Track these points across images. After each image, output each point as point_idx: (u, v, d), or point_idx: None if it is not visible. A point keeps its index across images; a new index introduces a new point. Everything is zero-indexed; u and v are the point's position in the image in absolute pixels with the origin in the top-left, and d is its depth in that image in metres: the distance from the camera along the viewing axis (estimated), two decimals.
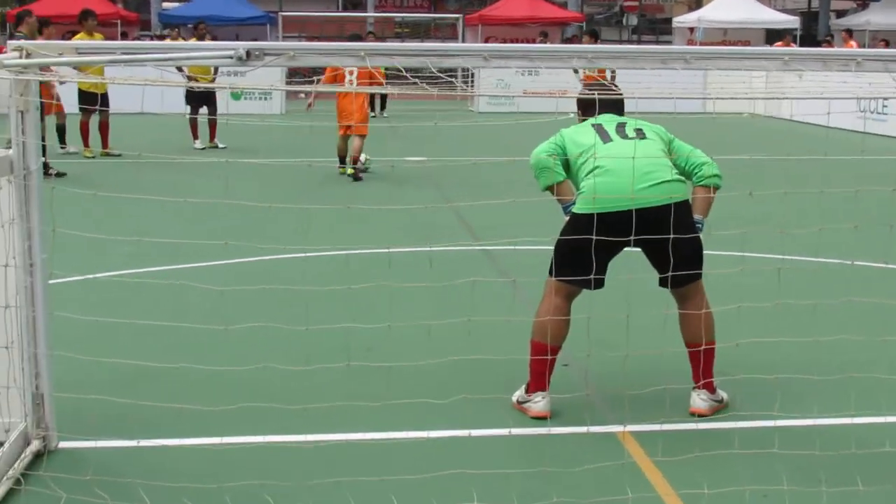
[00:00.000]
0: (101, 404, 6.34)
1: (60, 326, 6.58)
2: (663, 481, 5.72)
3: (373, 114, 28.31)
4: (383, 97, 19.95)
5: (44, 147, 17.83)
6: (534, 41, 39.47)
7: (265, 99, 31.38)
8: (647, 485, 5.69)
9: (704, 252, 6.69)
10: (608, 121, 6.91)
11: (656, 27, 59.53)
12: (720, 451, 5.97)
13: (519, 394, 6.87)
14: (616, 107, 6.98)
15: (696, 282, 6.71)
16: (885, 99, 25.50)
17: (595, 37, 27.13)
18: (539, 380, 6.74)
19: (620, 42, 54.82)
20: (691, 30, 44.76)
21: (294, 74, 32.77)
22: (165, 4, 47.56)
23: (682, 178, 6.75)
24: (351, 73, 17.71)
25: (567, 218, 6.81)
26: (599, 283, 6.66)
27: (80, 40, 17.80)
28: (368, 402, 6.46)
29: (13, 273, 5.80)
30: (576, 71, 22.51)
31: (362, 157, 18.50)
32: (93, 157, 19.93)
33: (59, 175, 16.60)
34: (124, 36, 41.49)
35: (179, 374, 6.80)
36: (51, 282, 6.07)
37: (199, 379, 6.98)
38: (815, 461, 5.87)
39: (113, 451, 6.13)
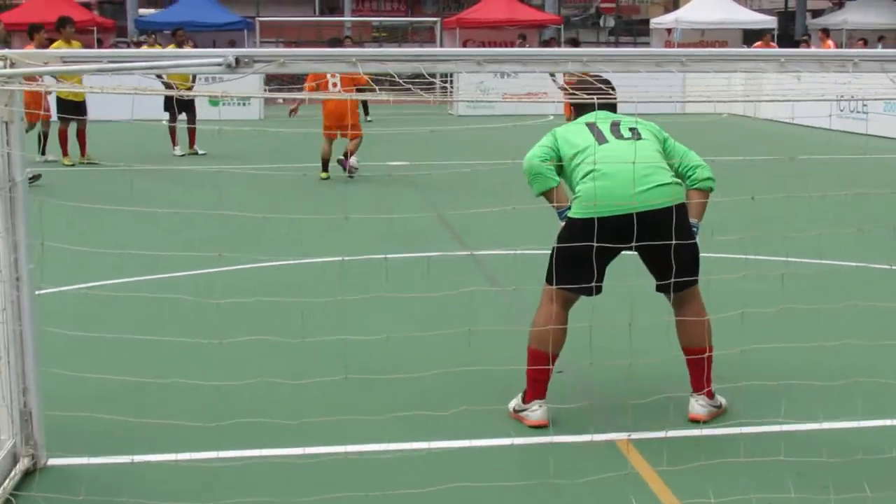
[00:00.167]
0: (90, 420, 6.24)
1: (47, 340, 6.47)
2: (667, 491, 5.63)
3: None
4: (365, 102, 19.90)
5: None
6: (512, 44, 39.42)
7: (244, 105, 31.24)
8: (652, 495, 5.59)
9: (707, 255, 6.60)
10: (602, 119, 6.76)
11: (633, 28, 59.55)
12: (725, 458, 5.87)
13: (516, 402, 6.76)
14: (609, 104, 6.84)
15: (694, 286, 6.63)
16: (864, 100, 25.56)
17: (575, 45, 27.04)
18: (537, 388, 6.63)
19: (598, 44, 54.81)
20: (669, 31, 44.76)
21: (271, 80, 32.67)
22: (142, 11, 47.39)
23: (679, 180, 6.66)
24: (333, 75, 17.54)
25: (562, 223, 6.71)
26: (598, 290, 6.57)
27: (58, 48, 17.68)
28: (367, 416, 6.37)
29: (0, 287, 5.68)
30: (552, 76, 22.52)
31: (353, 160, 18.52)
32: (72, 166, 19.79)
33: (35, 178, 16.51)
34: (100, 43, 41.25)
35: (171, 387, 6.69)
36: (36, 292, 5.95)
37: (192, 393, 6.87)
38: (822, 467, 5.77)
39: (105, 467, 6.00)
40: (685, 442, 6.30)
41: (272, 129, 23.85)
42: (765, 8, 55.23)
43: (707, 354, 6.62)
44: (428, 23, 49.21)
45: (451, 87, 31.02)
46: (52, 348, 7.14)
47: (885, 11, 45.34)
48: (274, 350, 7.48)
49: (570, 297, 6.62)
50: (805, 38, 40.26)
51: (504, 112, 31.69)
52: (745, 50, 6.10)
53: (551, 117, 29.51)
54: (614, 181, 6.39)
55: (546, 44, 40.58)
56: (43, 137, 20.00)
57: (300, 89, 18.63)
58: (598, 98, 6.32)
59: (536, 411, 6.61)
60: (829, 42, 32.44)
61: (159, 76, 20.82)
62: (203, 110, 24.38)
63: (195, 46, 29.27)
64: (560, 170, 6.72)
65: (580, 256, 6.32)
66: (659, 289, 6.66)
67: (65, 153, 20.07)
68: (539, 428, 6.53)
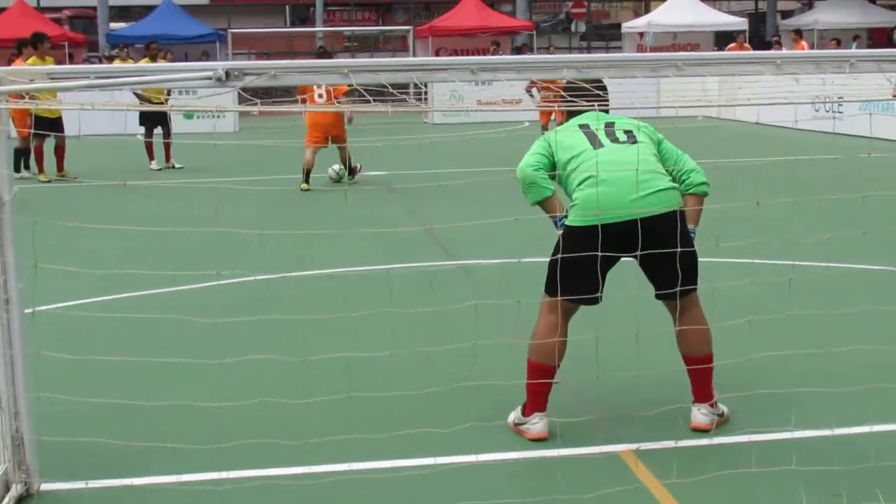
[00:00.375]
0: (85, 443, 6.10)
1: (38, 361, 6.33)
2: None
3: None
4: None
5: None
6: (486, 51, 39.37)
7: (218, 117, 31.06)
8: None
9: (713, 261, 6.50)
10: (595, 120, 6.65)
11: (604, 33, 59.60)
12: (735, 469, 5.76)
13: (515, 415, 6.65)
14: (602, 104, 6.71)
15: (694, 293, 6.53)
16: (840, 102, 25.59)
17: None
18: (537, 400, 6.52)
19: (570, 50, 54.87)
20: (641, 35, 44.79)
21: (246, 92, 32.47)
22: (113, 25, 47.14)
23: (676, 185, 6.55)
24: (319, 86, 17.53)
25: (559, 232, 6.60)
26: (596, 299, 6.47)
27: (32, 65, 17.54)
28: (370, 433, 6.27)
29: None
30: (530, 94, 22.49)
31: (336, 167, 18.77)
32: (48, 182, 19.61)
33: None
34: (71, 58, 41.06)
35: (169, 408, 6.56)
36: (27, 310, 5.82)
37: (190, 413, 6.71)
38: (834, 475, 5.68)
39: (101, 491, 5.85)
40: (694, 452, 6.19)
41: (269, 143, 23.77)
42: (734, 10, 55.39)
43: (709, 362, 6.53)
44: (400, 31, 49.08)
45: (425, 96, 31.05)
46: (43, 370, 7.01)
47: (855, 11, 45.48)
48: (274, 368, 7.34)
49: (570, 307, 6.50)
50: (776, 37, 40.35)
51: (480, 119, 31.78)
52: (741, 53, 6.03)
53: (527, 124, 29.52)
54: (612, 187, 6.28)
55: (518, 50, 40.58)
56: (20, 154, 19.85)
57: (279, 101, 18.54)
58: (588, 102, 6.25)
59: (537, 424, 6.50)
60: (803, 43, 32.52)
61: (135, 92, 20.75)
62: (177, 124, 24.24)
63: (173, 59, 29.22)
64: (554, 170, 6.59)
65: (579, 265, 6.22)
66: (658, 296, 6.55)
67: (40, 170, 19.90)
68: (540, 441, 6.42)
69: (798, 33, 33.59)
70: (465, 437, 6.30)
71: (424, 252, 11.95)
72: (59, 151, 20.16)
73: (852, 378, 6.98)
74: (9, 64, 19.23)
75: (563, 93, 6.36)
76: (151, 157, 21.76)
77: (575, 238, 6.32)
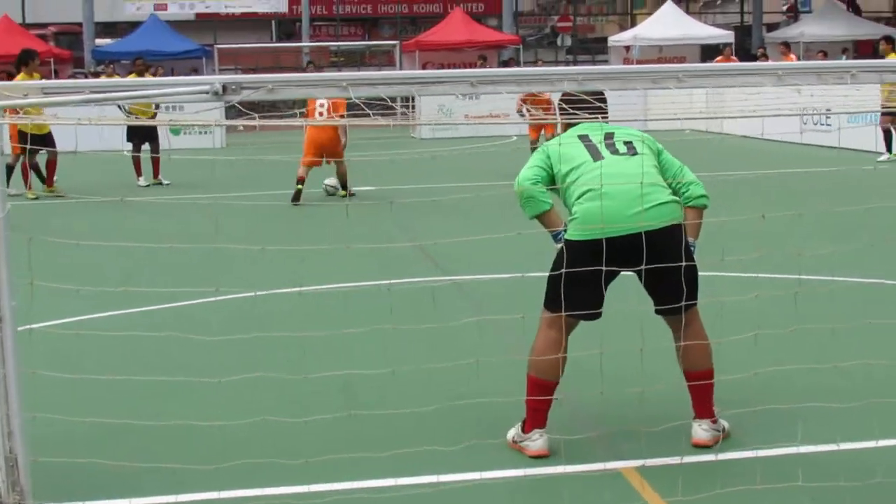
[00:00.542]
0: (81, 464, 6.00)
1: (33, 380, 6.24)
2: None
3: None
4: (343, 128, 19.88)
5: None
6: (473, 65, 39.34)
7: (205, 133, 30.99)
8: None
9: (717, 275, 6.43)
10: (594, 130, 6.57)
11: (590, 47, 59.65)
12: (741, 486, 5.68)
13: (515, 433, 6.56)
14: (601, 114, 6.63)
15: (694, 307, 6.46)
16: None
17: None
18: (537, 417, 6.44)
19: (556, 63, 54.89)
20: (627, 48, 44.84)
21: (232, 108, 32.45)
22: (98, 41, 47.05)
23: (677, 198, 6.48)
24: (322, 104, 18.27)
25: (557, 246, 6.53)
26: (597, 315, 6.40)
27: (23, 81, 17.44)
28: (371, 452, 6.17)
29: None
30: (521, 114, 22.47)
31: (332, 181, 18.86)
32: (35, 199, 19.49)
33: None
34: (56, 74, 40.91)
35: (166, 427, 6.47)
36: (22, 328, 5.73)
37: (189, 433, 6.62)
38: (841, 491, 5.60)
39: None
40: (699, 469, 6.11)
41: (267, 158, 23.71)
42: (720, 23, 55.50)
43: (710, 377, 6.46)
44: (386, 46, 49.08)
45: (412, 110, 31.00)
46: (39, 389, 6.91)
47: (839, 24, 45.60)
48: (273, 385, 7.25)
49: (569, 322, 6.41)
50: (761, 49, 40.41)
51: (467, 134, 31.73)
52: (741, 64, 5.98)
53: (514, 138, 29.48)
54: (612, 201, 6.19)
55: (505, 64, 40.62)
56: (9, 171, 19.68)
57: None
58: (591, 114, 6.18)
59: (537, 441, 6.42)
60: (791, 56, 32.54)
61: (121, 106, 20.66)
62: (164, 140, 24.14)
63: (164, 75, 29.16)
64: (553, 183, 6.52)
65: (579, 280, 6.14)
66: (658, 311, 6.48)
67: (28, 186, 19.79)
68: (540, 458, 6.33)
69: (787, 45, 33.56)
70: (467, 455, 6.23)
71: (417, 267, 11.90)
72: (50, 167, 20.06)
73: (858, 393, 6.91)
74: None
75: (562, 104, 6.29)
76: (139, 174, 21.67)
77: (575, 252, 6.24)
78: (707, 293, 6.47)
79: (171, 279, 10.71)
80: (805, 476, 5.64)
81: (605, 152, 6.45)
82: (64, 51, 45.81)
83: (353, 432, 6.71)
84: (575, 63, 53.83)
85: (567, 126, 6.75)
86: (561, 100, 6.32)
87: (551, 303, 6.40)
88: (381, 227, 15.29)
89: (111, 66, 34.26)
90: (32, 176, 20.04)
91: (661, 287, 6.26)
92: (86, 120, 5.62)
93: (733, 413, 6.58)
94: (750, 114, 6.56)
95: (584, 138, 6.54)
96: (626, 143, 6.54)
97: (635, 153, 6.48)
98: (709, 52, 42.77)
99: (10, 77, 19.58)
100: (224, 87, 5.25)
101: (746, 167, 18.30)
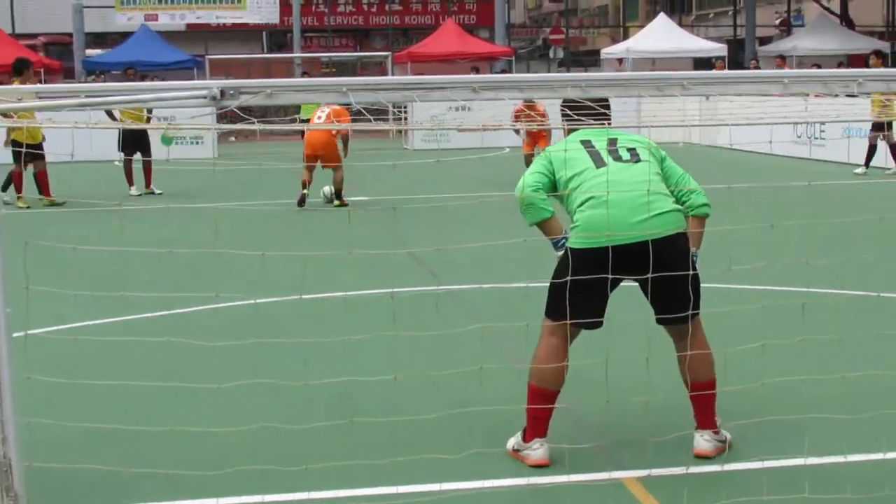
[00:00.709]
0: (77, 470, 5.95)
1: (29, 386, 6.19)
2: None
3: None
4: (346, 140, 19.84)
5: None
6: None
7: (196, 143, 30.93)
8: None
9: (724, 287, 6.36)
10: (597, 135, 6.51)
11: (582, 60, 59.71)
12: (747, 497, 5.63)
13: (515, 441, 6.51)
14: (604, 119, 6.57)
15: (697, 317, 6.40)
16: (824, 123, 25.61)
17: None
18: (537, 426, 6.38)
19: None
20: (620, 61, 44.84)
21: (223, 117, 32.44)
22: (89, 52, 46.94)
23: (680, 207, 6.42)
24: (322, 110, 18.87)
25: (558, 254, 6.48)
26: (598, 323, 6.34)
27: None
28: (372, 459, 6.12)
29: None
30: (517, 132, 22.44)
31: (329, 189, 19.05)
32: (27, 208, 19.41)
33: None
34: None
35: (165, 434, 6.41)
36: (25, 334, 5.67)
37: (187, 439, 6.58)
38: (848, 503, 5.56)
39: None
40: (704, 480, 6.07)
41: (264, 166, 23.68)
42: (712, 36, 55.58)
43: (712, 387, 6.41)
44: (378, 57, 49.03)
45: (406, 121, 31.06)
46: (35, 395, 6.86)
47: (832, 38, 45.65)
48: (273, 392, 7.20)
49: (571, 330, 6.34)
50: (753, 61, 40.50)
51: (460, 145, 31.71)
52: (746, 72, 5.93)
53: (507, 150, 29.45)
54: (615, 209, 6.13)
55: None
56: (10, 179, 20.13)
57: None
58: (596, 120, 6.12)
59: (538, 450, 6.36)
60: (787, 69, 32.60)
61: (111, 115, 20.66)
62: (155, 150, 24.05)
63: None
64: (555, 189, 6.46)
65: (580, 289, 6.08)
66: (660, 321, 6.42)
67: (19, 194, 19.70)
68: (540, 467, 6.28)
69: (782, 58, 33.65)
70: (469, 463, 6.18)
71: (414, 276, 11.83)
72: (40, 177, 19.98)
73: (865, 404, 6.87)
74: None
75: (564, 109, 6.24)
76: (131, 183, 21.59)
77: (577, 260, 6.19)
78: (714, 304, 6.41)
79: (170, 286, 10.65)
80: (812, 488, 5.59)
81: (607, 159, 6.39)
82: (54, 61, 45.67)
83: (353, 439, 6.65)
84: None
85: (569, 131, 6.69)
86: (563, 105, 6.27)
87: (553, 311, 6.35)
88: (380, 236, 15.27)
89: (101, 76, 34.15)
90: (31, 188, 19.99)
91: (664, 296, 6.20)
92: (82, 123, 5.57)
93: (740, 424, 6.52)
94: (744, 123, 6.49)
95: (586, 144, 6.48)
96: (629, 149, 6.48)
97: (638, 160, 6.42)
98: (701, 64, 42.80)
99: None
100: (222, 92, 5.19)
101: (740, 179, 18.24)
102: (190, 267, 12.39)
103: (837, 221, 13.17)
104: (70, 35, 46.73)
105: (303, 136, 19.79)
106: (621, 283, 6.29)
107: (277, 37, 58.38)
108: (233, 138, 36.31)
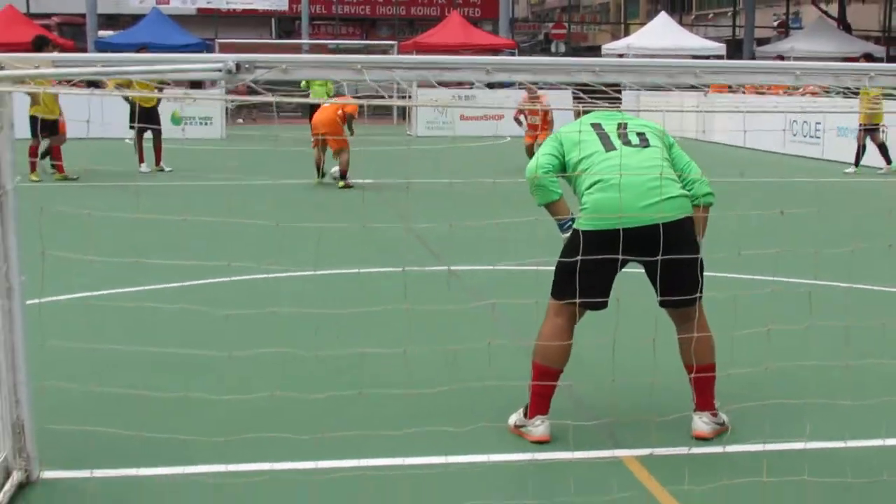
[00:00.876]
0: (90, 433, 5.88)
1: (45, 351, 6.14)
2: None
3: None
4: (350, 123, 19.89)
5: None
6: None
7: (205, 124, 30.87)
8: None
9: (733, 276, 6.29)
10: (607, 118, 6.47)
11: (583, 55, 59.62)
12: (747, 478, 5.57)
13: (517, 417, 6.46)
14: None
15: (699, 301, 6.35)
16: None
17: None
18: (540, 403, 6.34)
19: None
20: (620, 56, 44.74)
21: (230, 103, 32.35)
22: (101, 33, 46.81)
23: (687, 192, 6.35)
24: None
25: (564, 235, 6.42)
26: (603, 304, 6.29)
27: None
28: (381, 430, 6.11)
29: None
30: (518, 123, 22.37)
31: (335, 170, 19.31)
32: (39, 181, 19.32)
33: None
34: None
35: (176, 400, 6.37)
36: (38, 301, 5.62)
37: (199, 406, 6.55)
38: (846, 488, 5.50)
39: (106, 480, 5.63)
40: (704, 460, 6.01)
41: (280, 146, 23.67)
42: (711, 36, 55.52)
43: (711, 370, 6.36)
44: (384, 46, 48.94)
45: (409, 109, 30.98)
46: (50, 360, 6.82)
47: (830, 40, 45.63)
48: (285, 362, 7.15)
49: (574, 310, 6.29)
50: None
51: (462, 133, 31.77)
52: (759, 63, 5.88)
53: (508, 139, 29.45)
54: (623, 192, 6.07)
55: None
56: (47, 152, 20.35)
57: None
58: (610, 103, 6.06)
59: (539, 427, 6.32)
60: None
61: (124, 96, 20.72)
62: (167, 129, 23.94)
63: None
64: (565, 170, 6.41)
65: (586, 270, 6.02)
66: (664, 304, 6.37)
67: (33, 169, 19.64)
68: (541, 444, 6.24)
69: (781, 59, 33.59)
70: (475, 437, 6.15)
71: (424, 256, 11.87)
72: (55, 152, 19.94)
73: (869, 391, 6.81)
74: None
75: (577, 92, 6.17)
76: (142, 160, 21.52)
77: (584, 242, 6.13)
78: (721, 290, 6.35)
79: (183, 257, 10.62)
80: (811, 471, 5.54)
81: (616, 143, 6.33)
82: (67, 41, 45.57)
83: (362, 411, 6.62)
84: None
85: (580, 115, 6.63)
86: (576, 87, 6.20)
87: (559, 291, 6.30)
88: (390, 216, 15.21)
89: None
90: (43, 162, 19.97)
91: (670, 279, 6.13)
92: (97, 94, 5.50)
93: (742, 406, 6.46)
94: (736, 116, 6.43)
95: (596, 126, 6.43)
96: (638, 134, 6.42)
97: (648, 145, 6.37)
98: None
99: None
100: (238, 66, 5.12)
101: (737, 175, 18.19)
102: (203, 240, 12.40)
103: (842, 214, 13.10)
104: (83, 16, 46.58)
105: (311, 119, 20.10)
106: (626, 269, 6.23)
107: (286, 23, 58.35)
108: (240, 119, 36.23)
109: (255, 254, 10.96)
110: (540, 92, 20.87)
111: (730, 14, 61.05)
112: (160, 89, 5.56)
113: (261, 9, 49.64)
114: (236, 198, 16.18)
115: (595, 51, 53.61)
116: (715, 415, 6.41)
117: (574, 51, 60.37)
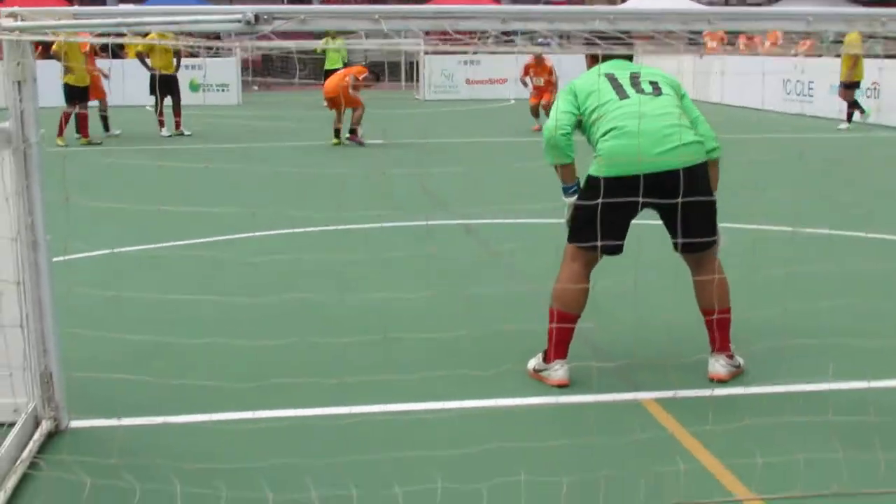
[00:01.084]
0: (118, 382, 5.74)
1: (70, 302, 5.95)
2: (709, 452, 5.11)
3: None
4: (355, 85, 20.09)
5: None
6: (472, 34, 38.91)
7: (222, 91, 30.63)
8: (695, 457, 5.06)
9: (753, 228, 6.08)
10: (620, 68, 6.23)
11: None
12: (770, 417, 5.38)
13: (536, 362, 6.28)
14: (626, 54, 6.22)
15: (715, 246, 6.14)
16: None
17: None
18: (559, 348, 6.14)
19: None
20: None
21: (246, 69, 32.27)
22: (121, 6, 46.56)
23: (700, 138, 6.13)
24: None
25: (566, 199, 6.24)
26: (619, 249, 6.08)
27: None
28: (404, 375, 5.95)
29: (16, 249, 5.15)
30: (524, 84, 22.17)
31: (360, 133, 19.46)
32: (65, 146, 19.09)
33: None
34: None
35: (202, 348, 6.22)
36: (67, 257, 5.43)
37: (225, 354, 6.41)
38: (870, 427, 5.27)
39: (134, 428, 5.46)
40: (726, 402, 5.80)
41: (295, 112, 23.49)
42: (704, 1, 55.08)
43: (727, 314, 6.16)
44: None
45: (418, 74, 30.93)
46: (77, 311, 6.67)
47: (822, 4, 45.23)
48: (310, 308, 7.00)
49: (590, 256, 6.08)
50: None
51: (467, 96, 31.76)
52: (770, 9, 5.70)
53: (512, 101, 29.31)
54: (636, 140, 5.86)
55: (504, 32, 40.20)
56: (102, 119, 20.70)
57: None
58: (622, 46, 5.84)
59: (558, 371, 6.13)
60: (777, 32, 32.21)
61: (145, 63, 20.63)
62: (183, 97, 23.67)
63: None
64: (579, 123, 6.19)
65: (603, 215, 5.80)
66: (679, 248, 6.15)
67: (60, 133, 19.39)
68: (561, 387, 6.04)
69: None
70: (497, 381, 5.99)
71: (442, 211, 11.60)
72: (82, 119, 19.74)
73: (890, 332, 6.63)
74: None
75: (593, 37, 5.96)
76: (162, 125, 21.31)
77: (598, 188, 5.90)
78: (741, 240, 6.14)
79: (209, 214, 10.48)
80: (835, 410, 5.32)
81: (630, 91, 6.12)
82: (87, 7, 45.31)
83: (386, 356, 6.46)
84: (569, 37, 53.39)
85: (593, 61, 6.41)
86: (591, 34, 5.97)
87: (576, 236, 6.11)
88: (403, 173, 15.00)
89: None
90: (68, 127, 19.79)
91: (685, 224, 5.92)
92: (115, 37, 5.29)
93: (762, 347, 6.29)
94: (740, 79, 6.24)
95: (609, 76, 6.21)
96: (651, 82, 6.21)
97: (660, 93, 6.16)
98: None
99: None
100: (256, 17, 4.92)
101: (734, 132, 18.03)
102: (226, 194, 12.24)
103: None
104: None
105: (323, 85, 20.23)
106: (638, 220, 6.03)
107: None
108: (255, 87, 35.98)
109: (280, 210, 10.82)
110: (544, 55, 20.92)
111: None
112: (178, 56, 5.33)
113: None
114: (257, 159, 16.15)
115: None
116: (731, 357, 6.22)
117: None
